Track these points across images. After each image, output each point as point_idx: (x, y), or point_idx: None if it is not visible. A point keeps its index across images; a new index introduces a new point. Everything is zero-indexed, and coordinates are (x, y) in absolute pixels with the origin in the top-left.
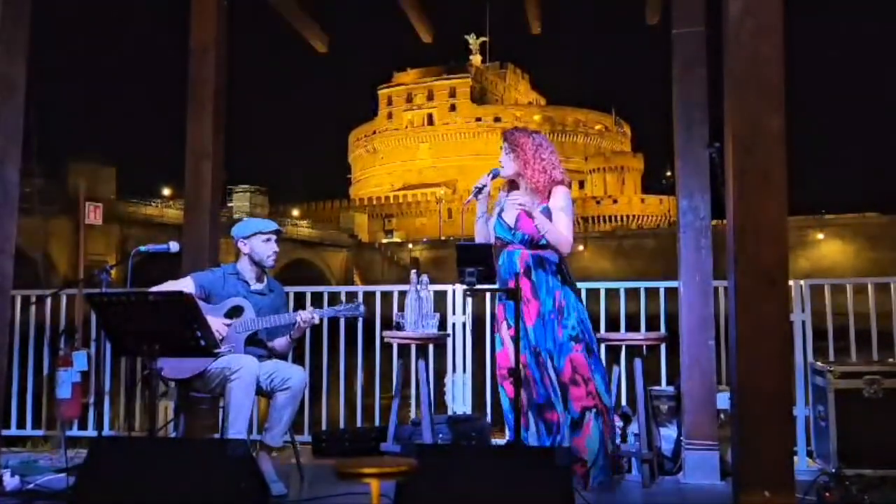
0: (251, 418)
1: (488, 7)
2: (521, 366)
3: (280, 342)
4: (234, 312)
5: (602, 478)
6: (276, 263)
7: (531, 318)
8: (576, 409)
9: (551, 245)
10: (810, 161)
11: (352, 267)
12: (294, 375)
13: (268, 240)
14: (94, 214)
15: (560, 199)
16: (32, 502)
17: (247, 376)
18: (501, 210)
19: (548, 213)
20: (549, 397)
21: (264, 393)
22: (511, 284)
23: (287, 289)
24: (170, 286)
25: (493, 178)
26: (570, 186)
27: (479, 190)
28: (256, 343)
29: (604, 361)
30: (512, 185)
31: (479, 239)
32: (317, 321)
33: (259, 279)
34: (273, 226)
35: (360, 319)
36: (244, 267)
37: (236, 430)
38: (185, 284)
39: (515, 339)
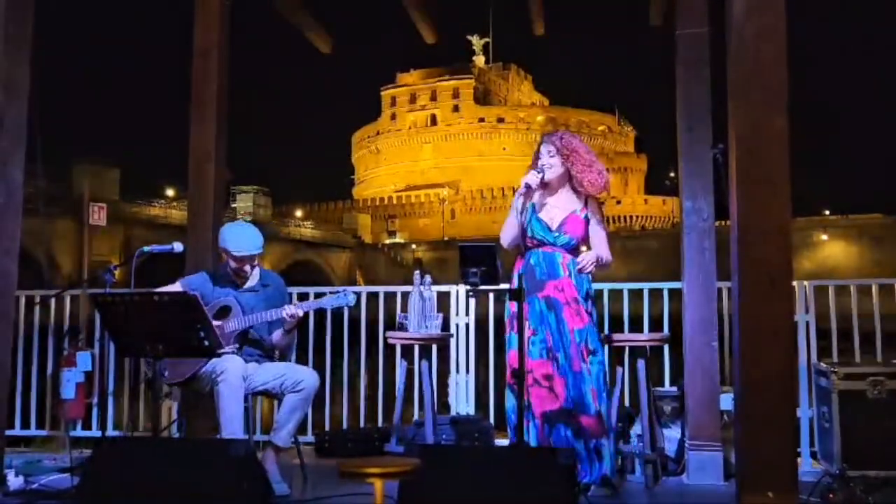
0: (248, 418)
1: (491, 8)
2: (538, 370)
3: (276, 336)
4: (222, 313)
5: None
6: (250, 275)
7: (579, 319)
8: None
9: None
10: (814, 162)
11: (355, 267)
12: (307, 378)
13: (238, 260)
14: (98, 215)
15: (599, 212)
16: (36, 502)
17: (232, 378)
18: (534, 209)
19: (587, 221)
20: (580, 401)
21: (274, 395)
22: (553, 286)
23: (290, 289)
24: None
25: (542, 174)
26: None
27: (529, 187)
28: (252, 343)
29: (607, 363)
30: (543, 185)
31: (510, 231)
32: (301, 315)
33: (246, 279)
34: (246, 250)
35: (363, 318)
36: (229, 269)
37: (230, 431)
38: (174, 290)
39: (519, 345)
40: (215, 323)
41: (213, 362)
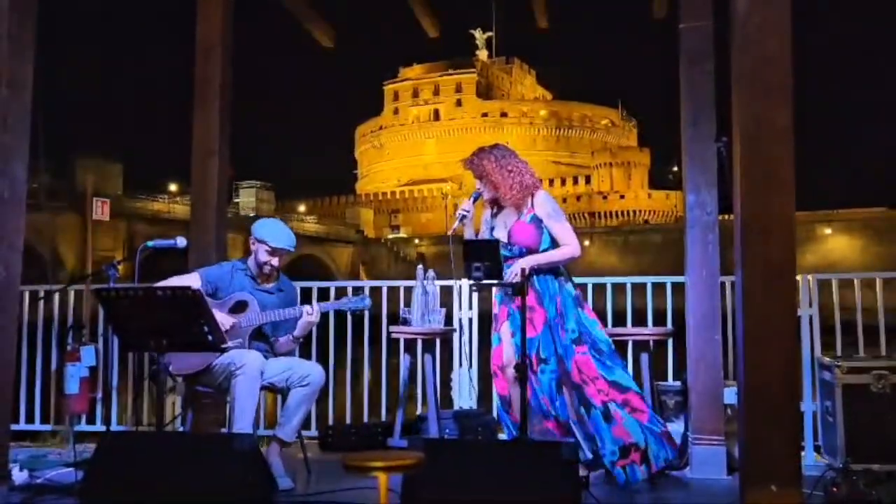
0: (257, 413)
1: (494, 1)
2: (503, 365)
3: (282, 341)
4: (239, 307)
5: (671, 456)
6: (272, 273)
7: (539, 326)
8: (598, 404)
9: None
10: (818, 156)
11: (358, 262)
12: (313, 372)
13: (272, 252)
14: (101, 210)
15: (546, 205)
16: (41, 496)
17: (251, 371)
18: (492, 229)
19: (537, 221)
20: (537, 407)
21: (279, 389)
22: (514, 297)
23: (294, 283)
24: (176, 281)
25: (475, 200)
26: (541, 185)
27: (464, 216)
28: (261, 338)
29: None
30: (494, 202)
31: None
32: (318, 316)
33: (268, 277)
34: (283, 244)
35: (367, 314)
36: (252, 263)
37: (242, 425)
38: (192, 279)
39: (522, 341)
40: (232, 317)
41: (231, 355)
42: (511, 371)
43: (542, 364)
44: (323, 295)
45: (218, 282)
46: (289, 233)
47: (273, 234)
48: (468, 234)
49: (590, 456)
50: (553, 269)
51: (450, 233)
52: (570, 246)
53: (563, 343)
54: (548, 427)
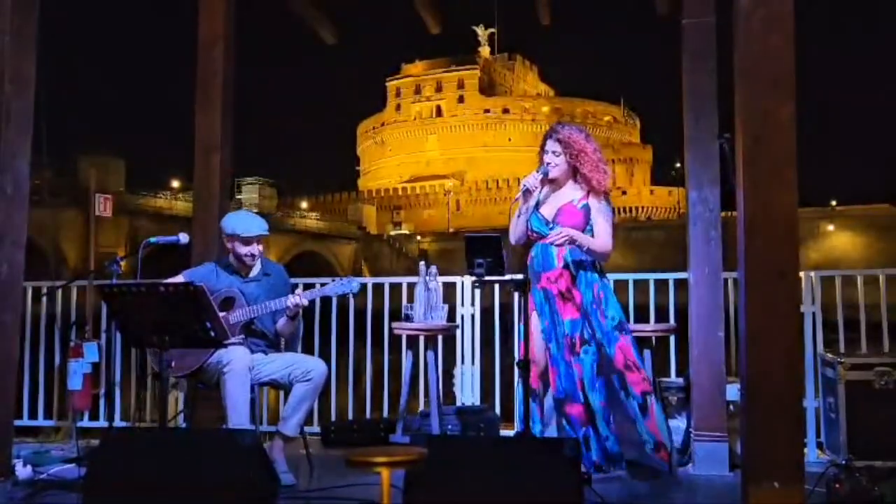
0: (253, 409)
1: None
2: (531, 359)
3: (280, 323)
4: (227, 304)
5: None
6: (255, 262)
7: (573, 310)
8: (637, 393)
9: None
10: (821, 152)
11: (360, 259)
12: (316, 367)
13: (246, 242)
14: (103, 206)
15: (604, 200)
16: (44, 492)
17: (238, 368)
18: (538, 204)
19: (587, 210)
20: (571, 391)
21: (282, 385)
22: (546, 277)
23: (295, 280)
24: None
25: (545, 176)
26: None
27: (528, 190)
28: (258, 335)
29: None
30: (551, 181)
31: (515, 231)
32: (306, 303)
33: (251, 268)
34: (254, 231)
35: (369, 310)
36: (232, 259)
37: (236, 422)
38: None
39: (525, 336)
40: (221, 314)
41: (220, 353)
42: (540, 363)
43: (585, 345)
44: None
45: (204, 282)
46: (257, 219)
47: (243, 225)
48: (525, 207)
49: (616, 449)
50: (588, 262)
51: (513, 203)
52: (604, 240)
53: (604, 329)
54: (571, 413)
